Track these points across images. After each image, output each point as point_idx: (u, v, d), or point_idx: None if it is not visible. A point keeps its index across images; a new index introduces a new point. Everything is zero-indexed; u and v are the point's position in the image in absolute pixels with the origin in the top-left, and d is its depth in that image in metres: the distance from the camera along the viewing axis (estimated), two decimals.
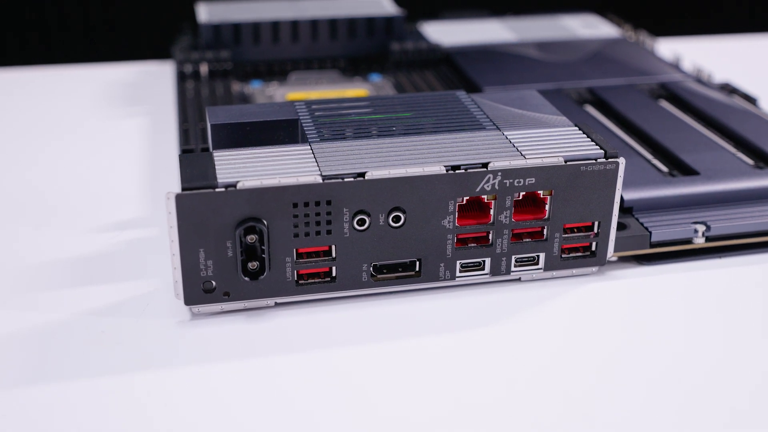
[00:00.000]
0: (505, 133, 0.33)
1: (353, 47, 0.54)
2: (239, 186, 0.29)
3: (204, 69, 0.51)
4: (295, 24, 0.52)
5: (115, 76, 0.57)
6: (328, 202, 0.30)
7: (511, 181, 0.31)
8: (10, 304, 0.32)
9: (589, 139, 0.33)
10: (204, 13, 0.53)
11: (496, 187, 0.31)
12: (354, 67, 0.53)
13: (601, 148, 0.32)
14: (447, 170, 0.30)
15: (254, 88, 0.49)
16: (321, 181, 0.30)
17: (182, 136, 0.43)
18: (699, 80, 0.49)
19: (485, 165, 0.31)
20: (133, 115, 0.51)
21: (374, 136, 0.33)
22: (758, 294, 0.33)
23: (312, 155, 0.31)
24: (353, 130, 0.33)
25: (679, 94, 0.46)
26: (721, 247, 0.35)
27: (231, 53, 0.51)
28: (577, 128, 0.33)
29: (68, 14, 0.70)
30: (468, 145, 0.32)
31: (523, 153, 0.31)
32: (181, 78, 0.51)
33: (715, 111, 0.44)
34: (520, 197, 0.31)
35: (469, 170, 0.31)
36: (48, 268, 0.34)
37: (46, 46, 0.71)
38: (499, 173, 0.31)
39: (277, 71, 0.52)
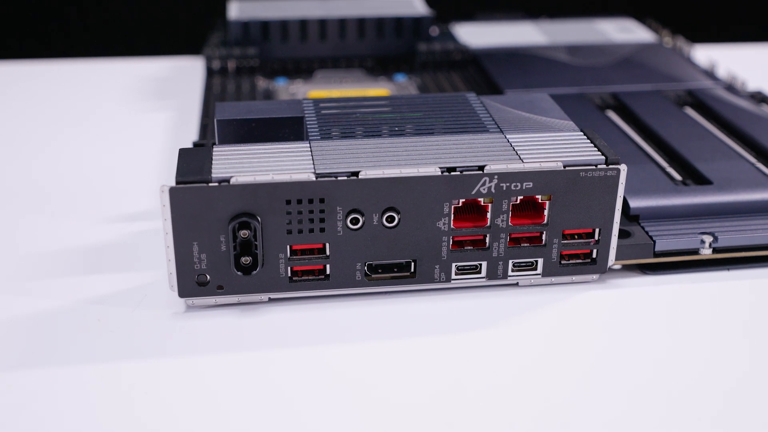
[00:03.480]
0: (507, 136, 0.33)
1: (381, 47, 0.54)
2: (232, 181, 0.29)
3: (231, 65, 0.51)
4: (323, 22, 0.53)
5: (149, 71, 0.58)
6: (321, 200, 0.30)
7: (507, 184, 0.31)
8: (15, 290, 0.32)
9: (591, 145, 0.32)
10: (234, 10, 0.54)
11: (493, 190, 0.31)
12: (382, 67, 0.53)
13: (603, 154, 0.31)
14: (442, 172, 0.30)
15: (278, 85, 0.50)
16: (314, 178, 0.30)
17: (201, 130, 0.43)
18: (730, 88, 0.48)
19: (481, 168, 0.30)
20: (161, 108, 0.52)
21: (374, 136, 0.33)
22: (764, 308, 0.32)
23: (309, 153, 0.31)
24: (355, 129, 0.33)
25: (705, 102, 0.45)
26: (729, 259, 0.34)
27: (259, 50, 0.52)
28: (581, 133, 0.33)
29: (106, 8, 0.72)
30: (467, 147, 0.32)
31: (521, 157, 0.31)
32: (209, 74, 0.51)
33: (739, 120, 0.43)
34: (518, 201, 0.31)
35: (464, 172, 0.30)
36: (57, 256, 0.35)
37: (82, 39, 0.73)
38: (496, 176, 0.31)
39: (304, 69, 0.53)
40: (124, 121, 0.50)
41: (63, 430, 0.26)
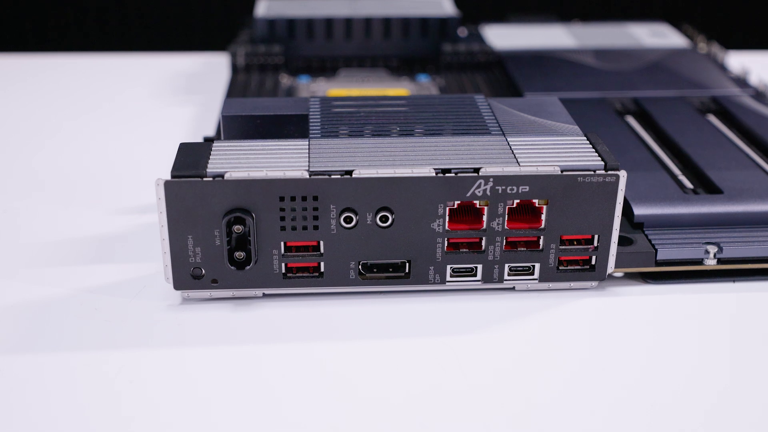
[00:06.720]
0: (508, 139, 0.32)
1: (407, 47, 0.54)
2: (227, 176, 0.30)
3: (256, 62, 0.52)
4: (348, 21, 0.53)
5: (182, 66, 0.59)
6: (315, 198, 0.30)
7: (503, 187, 0.30)
8: (19, 277, 0.33)
9: (593, 150, 0.32)
10: (262, 8, 0.54)
11: (488, 193, 0.31)
12: (408, 67, 0.53)
13: (603, 160, 0.31)
14: (437, 173, 0.30)
15: (300, 83, 0.50)
16: (308, 176, 0.30)
17: (218, 126, 0.44)
18: (758, 95, 0.47)
19: (477, 170, 0.30)
20: (187, 103, 0.52)
21: (378, 136, 0.33)
22: (766, 322, 0.31)
23: (307, 151, 0.31)
24: (361, 128, 0.33)
25: (728, 109, 0.44)
26: (735, 270, 0.33)
27: (284, 48, 0.52)
28: (584, 138, 0.33)
29: (142, 4, 0.73)
30: (466, 149, 0.32)
31: (519, 160, 0.31)
32: (234, 71, 0.52)
33: (761, 128, 0.42)
34: (515, 205, 0.31)
35: (459, 174, 0.30)
36: (63, 245, 0.36)
37: (117, 33, 0.74)
38: (491, 179, 0.30)
39: (329, 67, 0.53)
40: (149, 114, 0.50)
41: (47, 415, 0.26)
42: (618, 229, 0.31)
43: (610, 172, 0.31)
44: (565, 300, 0.32)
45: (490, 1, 0.73)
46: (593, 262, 0.32)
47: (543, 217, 0.31)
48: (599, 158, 0.31)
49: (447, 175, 0.30)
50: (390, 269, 0.32)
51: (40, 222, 0.38)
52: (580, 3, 0.73)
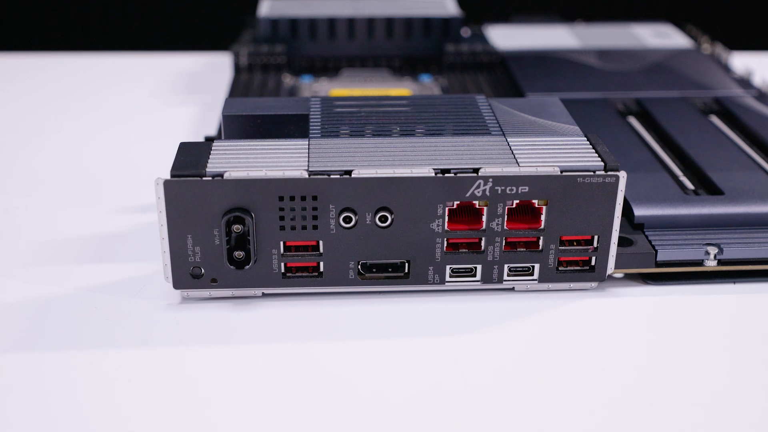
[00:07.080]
0: (508, 139, 0.32)
1: (410, 47, 0.54)
2: (226, 176, 0.30)
3: (259, 62, 0.52)
4: (351, 21, 0.53)
5: (186, 65, 0.59)
6: (314, 198, 0.30)
7: (503, 188, 0.30)
8: (19, 276, 0.33)
9: (593, 150, 0.32)
10: (265, 8, 0.54)
11: (487, 193, 0.30)
12: (411, 67, 0.53)
13: (603, 160, 0.31)
14: (436, 173, 0.30)
15: (303, 82, 0.50)
16: (307, 176, 0.30)
17: (219, 125, 0.44)
18: (761, 96, 0.47)
19: (476, 170, 0.30)
20: (188, 102, 0.52)
21: (378, 135, 0.33)
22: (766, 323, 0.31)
23: (307, 151, 0.31)
24: (362, 128, 0.33)
25: (731, 110, 0.44)
26: (736, 271, 0.33)
27: (287, 47, 0.52)
28: (584, 138, 0.33)
29: (146, 3, 0.73)
30: (465, 149, 0.32)
31: (518, 160, 0.31)
32: (237, 70, 0.52)
33: (763, 129, 0.42)
34: (514, 205, 0.31)
35: (458, 174, 0.30)
36: (63, 244, 0.36)
37: (121, 32, 0.74)
38: (491, 179, 0.30)
39: (331, 67, 0.53)
40: (150, 113, 0.50)
41: (45, 414, 0.26)
42: (618, 229, 0.31)
43: (609, 173, 0.31)
44: (565, 301, 0.32)
45: (493, 1, 0.73)
46: (593, 263, 0.32)
47: (542, 217, 0.31)
48: (599, 159, 0.31)
49: (446, 175, 0.30)
50: (389, 269, 0.32)
51: (40, 221, 0.38)
52: (583, 3, 0.73)
